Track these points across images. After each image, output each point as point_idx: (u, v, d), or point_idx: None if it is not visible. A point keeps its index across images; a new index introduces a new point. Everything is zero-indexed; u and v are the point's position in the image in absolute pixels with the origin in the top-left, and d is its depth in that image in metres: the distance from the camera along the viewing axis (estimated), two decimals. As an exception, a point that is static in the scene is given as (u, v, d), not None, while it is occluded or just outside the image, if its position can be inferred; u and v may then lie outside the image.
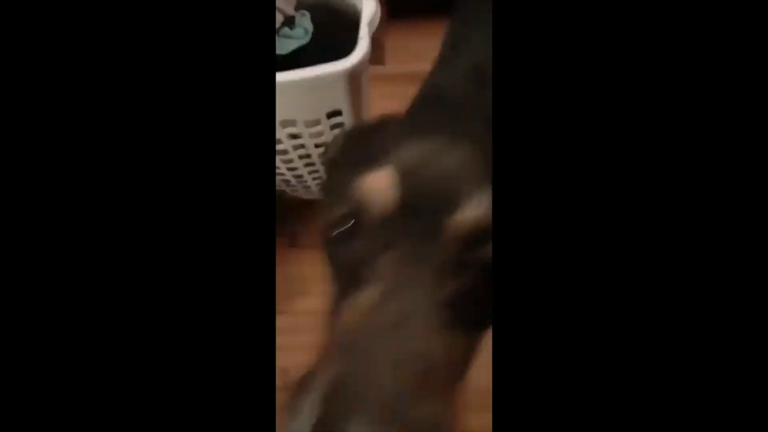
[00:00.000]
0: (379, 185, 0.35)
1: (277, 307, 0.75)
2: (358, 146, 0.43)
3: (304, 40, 0.88)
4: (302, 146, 0.83)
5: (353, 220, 0.36)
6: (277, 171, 0.91)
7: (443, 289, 0.33)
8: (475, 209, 0.34)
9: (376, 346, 0.29)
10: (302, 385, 0.32)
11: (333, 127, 0.78)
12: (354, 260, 0.35)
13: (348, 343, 0.31)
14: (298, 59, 0.84)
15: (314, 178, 0.95)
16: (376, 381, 0.28)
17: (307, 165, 0.90)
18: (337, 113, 0.76)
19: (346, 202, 0.36)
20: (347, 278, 0.35)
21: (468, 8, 0.84)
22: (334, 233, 0.36)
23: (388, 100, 0.73)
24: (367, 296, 0.32)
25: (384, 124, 0.45)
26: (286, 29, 0.88)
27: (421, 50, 0.90)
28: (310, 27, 0.90)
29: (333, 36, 0.85)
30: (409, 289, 0.32)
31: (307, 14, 0.91)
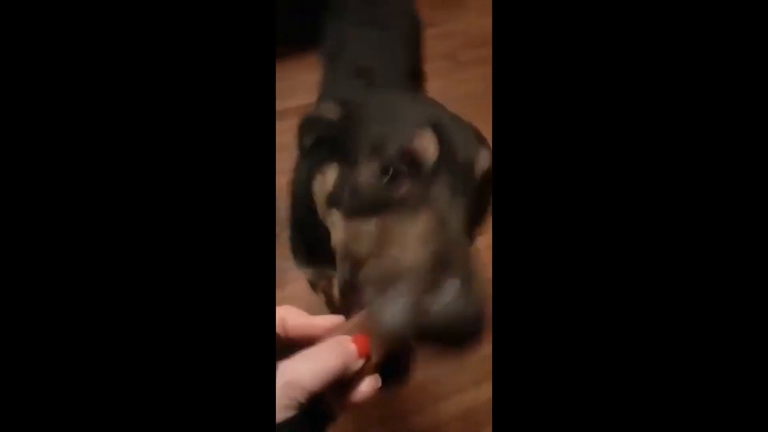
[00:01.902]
0: (426, 141, 0.47)
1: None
2: (371, 108, 0.54)
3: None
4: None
5: (401, 166, 0.47)
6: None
7: (470, 208, 0.47)
8: (485, 160, 0.50)
9: (447, 242, 0.43)
10: (383, 277, 0.43)
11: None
12: (410, 195, 0.47)
13: (426, 240, 0.43)
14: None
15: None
16: (458, 262, 0.42)
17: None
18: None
19: (394, 152, 0.47)
20: (401, 208, 0.46)
21: (337, 26, 0.97)
22: (386, 175, 0.48)
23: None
24: (430, 215, 0.45)
25: (380, 93, 0.59)
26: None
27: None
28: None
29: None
30: (454, 217, 0.45)
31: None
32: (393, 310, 0.40)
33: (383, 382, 0.40)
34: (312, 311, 0.41)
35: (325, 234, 0.55)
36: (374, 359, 0.40)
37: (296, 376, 0.35)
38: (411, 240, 0.44)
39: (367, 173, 0.48)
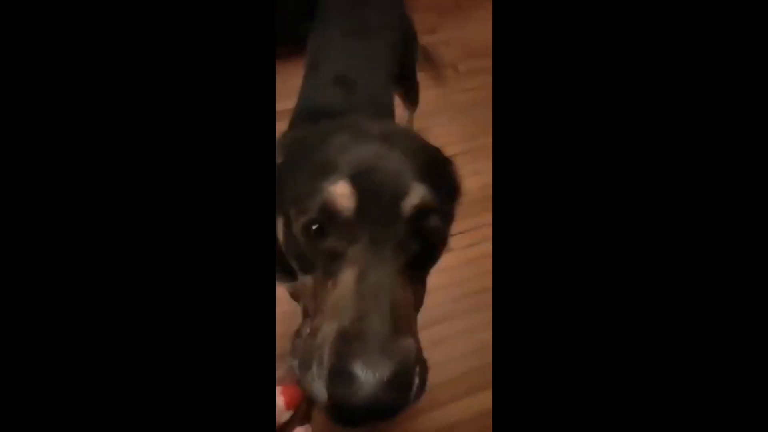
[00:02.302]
0: (341, 193, 0.45)
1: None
2: (304, 154, 0.51)
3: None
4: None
5: (322, 221, 0.46)
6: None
7: (401, 258, 0.45)
8: (416, 195, 0.46)
9: (363, 305, 0.41)
10: (306, 342, 0.42)
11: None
12: (331, 251, 0.45)
13: (342, 307, 0.41)
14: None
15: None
16: (370, 329, 0.39)
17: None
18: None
19: (313, 207, 0.46)
20: (327, 264, 0.46)
21: (320, 34, 0.96)
22: (309, 232, 0.46)
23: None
24: (349, 274, 0.43)
25: (320, 132, 0.53)
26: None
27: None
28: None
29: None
30: (378, 264, 0.43)
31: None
32: (307, 379, 0.39)
33: (340, 420, 0.39)
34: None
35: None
36: (305, 408, 0.40)
37: None
38: (329, 306, 0.43)
39: (297, 229, 0.47)
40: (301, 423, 0.41)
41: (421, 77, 1.70)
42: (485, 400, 1.19)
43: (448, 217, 0.53)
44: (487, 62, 1.87)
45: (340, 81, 0.82)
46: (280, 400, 0.39)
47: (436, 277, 1.37)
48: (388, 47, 0.97)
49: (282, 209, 0.51)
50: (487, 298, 1.34)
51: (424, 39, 1.91)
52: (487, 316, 1.31)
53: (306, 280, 0.48)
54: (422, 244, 0.47)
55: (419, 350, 0.42)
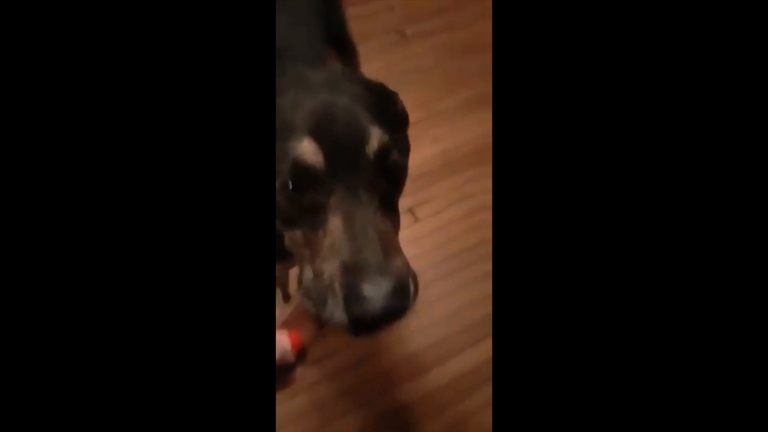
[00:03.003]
0: (307, 151, 0.49)
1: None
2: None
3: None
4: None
5: (296, 179, 0.50)
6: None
7: (375, 196, 0.51)
8: (376, 139, 0.51)
9: (356, 242, 0.48)
10: (316, 284, 0.49)
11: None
12: (314, 204, 0.50)
13: (338, 248, 0.48)
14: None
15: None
16: (367, 258, 0.47)
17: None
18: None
19: (284, 169, 0.50)
20: (313, 216, 0.51)
21: None
22: (287, 192, 0.51)
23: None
24: (336, 221, 0.49)
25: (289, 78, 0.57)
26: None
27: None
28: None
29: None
30: (358, 206, 0.49)
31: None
32: (326, 312, 0.47)
33: (361, 333, 0.48)
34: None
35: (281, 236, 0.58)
36: (304, 351, 0.47)
37: None
38: (326, 250, 0.49)
39: (278, 189, 0.51)
40: (300, 365, 0.48)
41: (369, 46, 1.67)
42: (486, 349, 1.22)
43: (404, 148, 0.58)
44: (433, 24, 1.85)
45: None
46: (288, 344, 0.45)
47: (415, 246, 1.37)
48: (309, 8, 0.96)
49: None
50: (465, 258, 1.35)
51: (368, 7, 1.87)
52: (471, 273, 1.33)
53: (295, 234, 0.53)
54: (388, 180, 0.53)
55: (408, 264, 0.50)
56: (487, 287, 1.32)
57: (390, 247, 0.49)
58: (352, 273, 0.46)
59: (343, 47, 1.31)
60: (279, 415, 1.13)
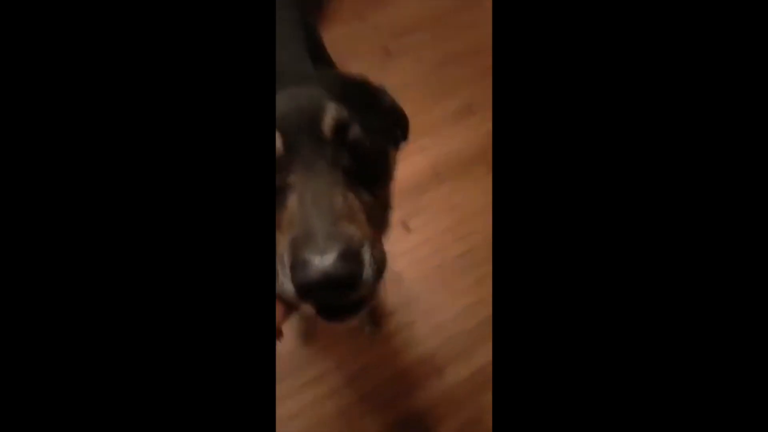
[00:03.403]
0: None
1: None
2: None
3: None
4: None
5: None
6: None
7: (336, 170, 0.51)
8: (331, 112, 0.52)
9: (311, 213, 0.48)
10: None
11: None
12: (278, 188, 0.51)
13: (291, 222, 0.49)
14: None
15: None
16: (314, 226, 0.46)
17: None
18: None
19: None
20: (279, 199, 0.51)
21: None
22: None
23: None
24: (293, 197, 0.50)
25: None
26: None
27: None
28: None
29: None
30: (314, 180, 0.50)
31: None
32: (279, 285, 0.47)
33: (325, 314, 0.48)
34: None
35: None
36: (279, 326, 0.48)
37: None
38: (283, 227, 0.50)
39: None
40: (277, 339, 0.48)
41: (356, 64, 1.71)
42: (484, 354, 1.25)
43: (372, 129, 0.57)
44: (416, 39, 1.89)
45: None
46: None
47: (409, 257, 1.39)
48: (292, 29, 1.03)
49: None
50: (456, 265, 1.37)
51: (354, 27, 1.91)
52: (464, 281, 1.35)
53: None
54: (352, 156, 0.54)
55: (367, 237, 0.48)
56: (483, 291, 1.34)
57: (344, 218, 0.48)
58: (298, 243, 0.46)
59: (324, 65, 1.36)
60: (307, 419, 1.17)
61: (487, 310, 1.31)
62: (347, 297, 0.46)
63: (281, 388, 1.21)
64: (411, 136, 0.70)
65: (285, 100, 0.54)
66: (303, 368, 1.24)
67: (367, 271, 0.46)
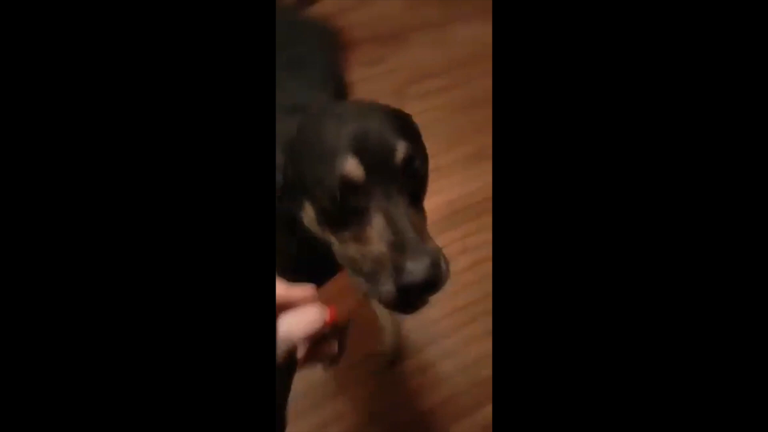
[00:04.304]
0: (351, 167, 0.61)
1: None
2: (308, 145, 0.68)
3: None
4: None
5: (343, 189, 0.62)
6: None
7: (405, 196, 0.63)
8: (402, 149, 0.63)
9: (396, 229, 0.59)
10: (365, 263, 0.61)
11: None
12: (359, 208, 0.62)
13: (383, 235, 0.60)
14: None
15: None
16: (408, 239, 0.58)
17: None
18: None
19: (335, 183, 0.62)
20: (359, 218, 0.62)
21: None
22: (335, 200, 0.63)
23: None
24: (379, 217, 0.61)
25: (312, 125, 0.69)
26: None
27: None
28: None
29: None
30: (394, 205, 0.61)
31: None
32: (376, 285, 0.58)
33: (403, 306, 0.58)
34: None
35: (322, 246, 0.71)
36: (340, 326, 0.52)
37: (287, 329, 0.45)
38: (373, 238, 0.61)
39: (325, 202, 0.64)
40: (335, 338, 0.53)
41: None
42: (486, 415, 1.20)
43: (424, 159, 0.70)
44: (435, 83, 1.93)
45: (295, 108, 0.92)
46: (326, 315, 0.49)
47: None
48: (323, 74, 1.13)
49: (308, 194, 0.68)
50: (473, 311, 1.35)
51: (371, 70, 1.96)
52: (477, 328, 1.33)
53: (344, 235, 0.65)
54: (414, 182, 0.65)
55: (438, 247, 0.61)
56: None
57: (423, 234, 0.61)
58: (397, 251, 0.57)
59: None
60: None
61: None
62: (431, 295, 0.58)
63: (298, 426, 1.18)
64: (430, 177, 0.75)
65: (359, 133, 0.64)
66: (321, 406, 1.21)
67: (445, 273, 0.58)
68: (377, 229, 0.61)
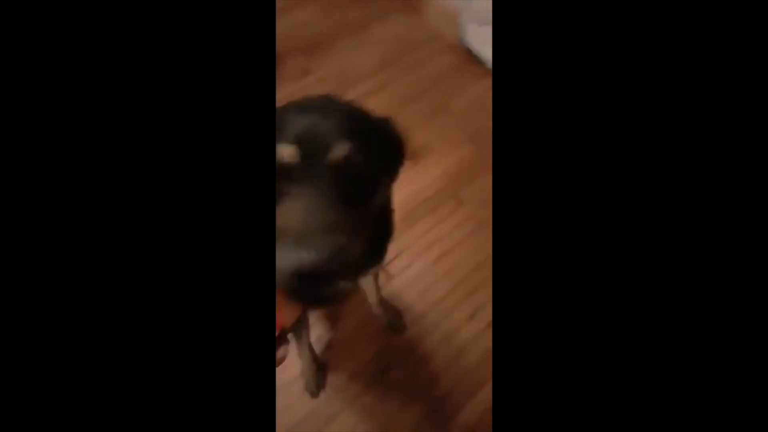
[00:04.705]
0: (287, 152, 0.65)
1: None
2: (279, 123, 0.73)
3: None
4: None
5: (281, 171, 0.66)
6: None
7: (332, 192, 0.65)
8: (339, 149, 0.66)
9: (309, 219, 0.62)
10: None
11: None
12: (283, 191, 0.66)
13: (291, 220, 0.62)
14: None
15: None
16: (304, 232, 0.61)
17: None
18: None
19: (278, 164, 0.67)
20: (281, 201, 0.66)
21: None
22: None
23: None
24: (292, 202, 0.64)
25: (284, 111, 0.75)
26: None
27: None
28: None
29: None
30: (315, 194, 0.64)
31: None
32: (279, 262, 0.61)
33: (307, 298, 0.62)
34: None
35: None
36: (287, 331, 0.55)
37: None
38: (285, 220, 0.63)
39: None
40: (281, 344, 0.54)
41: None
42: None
43: (383, 165, 0.74)
44: (366, 86, 1.94)
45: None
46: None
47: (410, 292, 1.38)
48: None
49: None
50: (445, 306, 1.39)
51: (300, 82, 1.94)
52: (454, 319, 1.36)
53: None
54: (352, 184, 0.68)
55: (349, 249, 0.65)
56: (475, 327, 1.36)
57: (336, 226, 0.63)
58: (287, 236, 0.60)
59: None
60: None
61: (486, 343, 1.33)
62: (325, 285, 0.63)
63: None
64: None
65: (307, 127, 0.69)
66: (330, 422, 1.23)
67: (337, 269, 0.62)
68: (284, 211, 0.65)
